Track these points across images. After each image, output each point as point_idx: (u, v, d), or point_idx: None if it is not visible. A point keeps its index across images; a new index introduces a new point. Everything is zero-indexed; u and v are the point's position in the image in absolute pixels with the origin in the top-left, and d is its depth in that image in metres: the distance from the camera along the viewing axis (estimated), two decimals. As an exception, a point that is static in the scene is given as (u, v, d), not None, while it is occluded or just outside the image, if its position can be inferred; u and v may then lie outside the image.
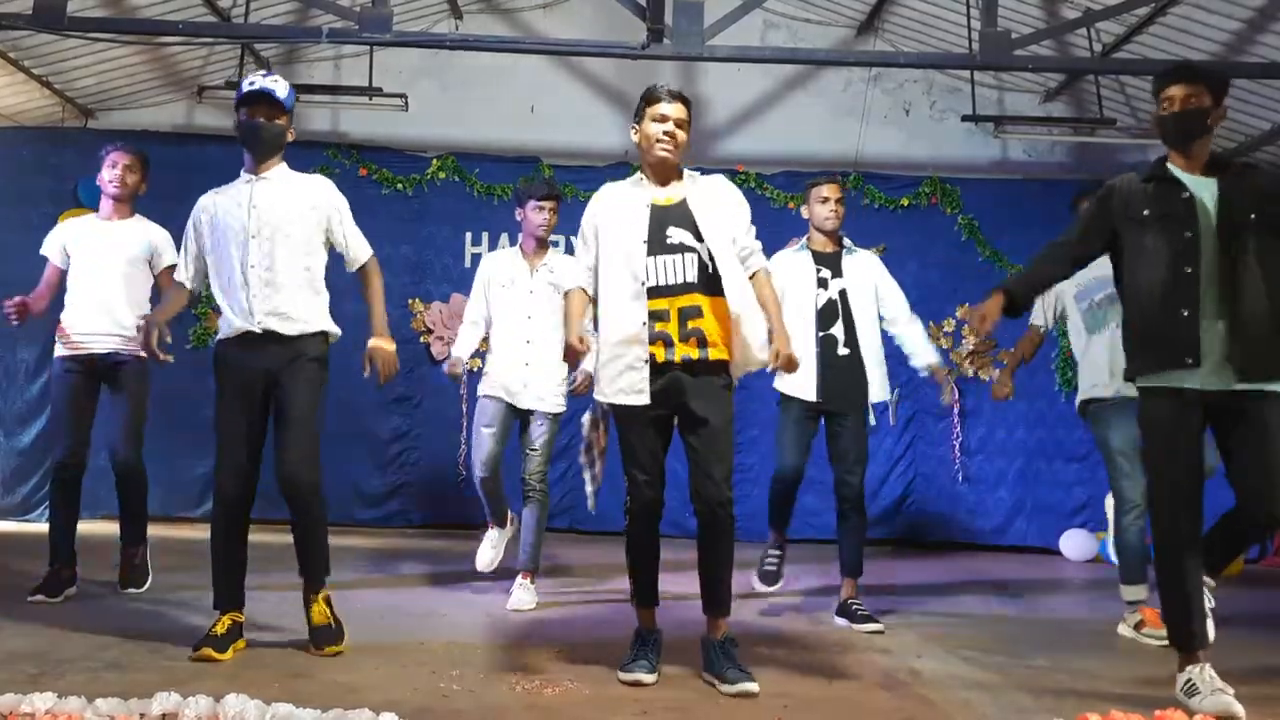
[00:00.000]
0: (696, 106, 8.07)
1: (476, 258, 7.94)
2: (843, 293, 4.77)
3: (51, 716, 2.46)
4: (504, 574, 5.31)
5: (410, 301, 7.88)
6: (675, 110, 3.66)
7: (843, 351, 4.72)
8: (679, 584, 4.40)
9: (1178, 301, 3.33)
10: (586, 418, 4.18)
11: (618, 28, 6.45)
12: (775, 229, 7.92)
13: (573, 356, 3.51)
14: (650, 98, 3.68)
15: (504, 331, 4.96)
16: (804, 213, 5.00)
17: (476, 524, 7.48)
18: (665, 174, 3.66)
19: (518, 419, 4.96)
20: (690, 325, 3.47)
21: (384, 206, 7.89)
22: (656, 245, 3.52)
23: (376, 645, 3.94)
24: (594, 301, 3.68)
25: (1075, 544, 7.39)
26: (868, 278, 4.82)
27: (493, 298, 5.00)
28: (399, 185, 7.87)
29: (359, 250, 4.01)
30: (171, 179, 7.76)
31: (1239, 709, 3.11)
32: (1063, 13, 6.70)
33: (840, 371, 4.70)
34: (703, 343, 3.48)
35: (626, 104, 8.08)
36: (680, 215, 3.56)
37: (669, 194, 3.63)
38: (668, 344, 3.48)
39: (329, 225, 3.91)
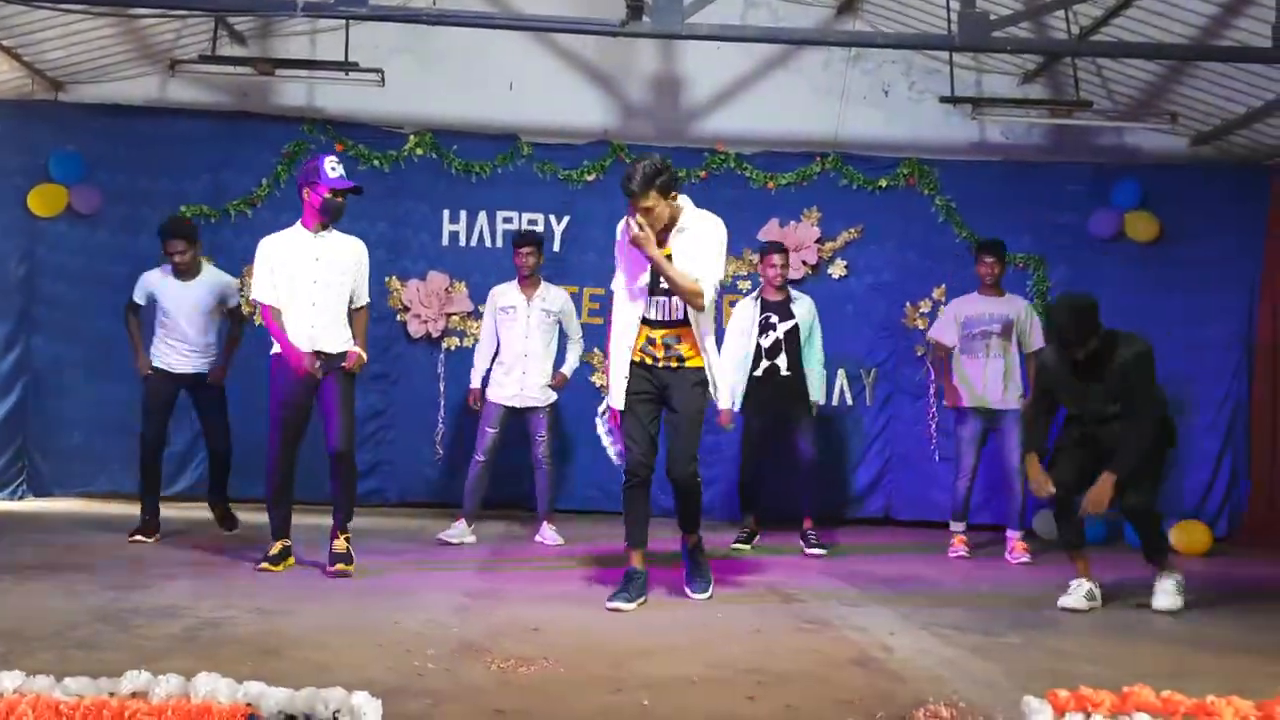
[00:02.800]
0: (676, 85, 8.11)
1: (454, 235, 7.89)
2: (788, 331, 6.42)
3: (19, 695, 2.43)
4: (483, 560, 5.27)
5: (387, 279, 7.80)
6: (639, 202, 4.42)
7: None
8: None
9: None
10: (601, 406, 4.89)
11: (597, 4, 6.39)
12: (754, 209, 7.93)
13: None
14: (627, 189, 4.47)
15: (508, 348, 6.32)
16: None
17: (453, 503, 7.49)
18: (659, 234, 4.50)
19: (514, 417, 6.33)
20: (673, 349, 4.56)
21: (361, 182, 7.77)
22: (655, 289, 4.54)
23: (351, 624, 3.93)
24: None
25: (1050, 523, 7.42)
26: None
27: (499, 320, 6.37)
28: (375, 161, 7.79)
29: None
30: (144, 153, 7.70)
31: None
32: (1041, -6, 6.69)
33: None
34: (680, 357, 4.57)
35: (606, 81, 8.04)
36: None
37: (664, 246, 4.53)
38: (654, 358, 4.57)
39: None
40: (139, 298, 6.13)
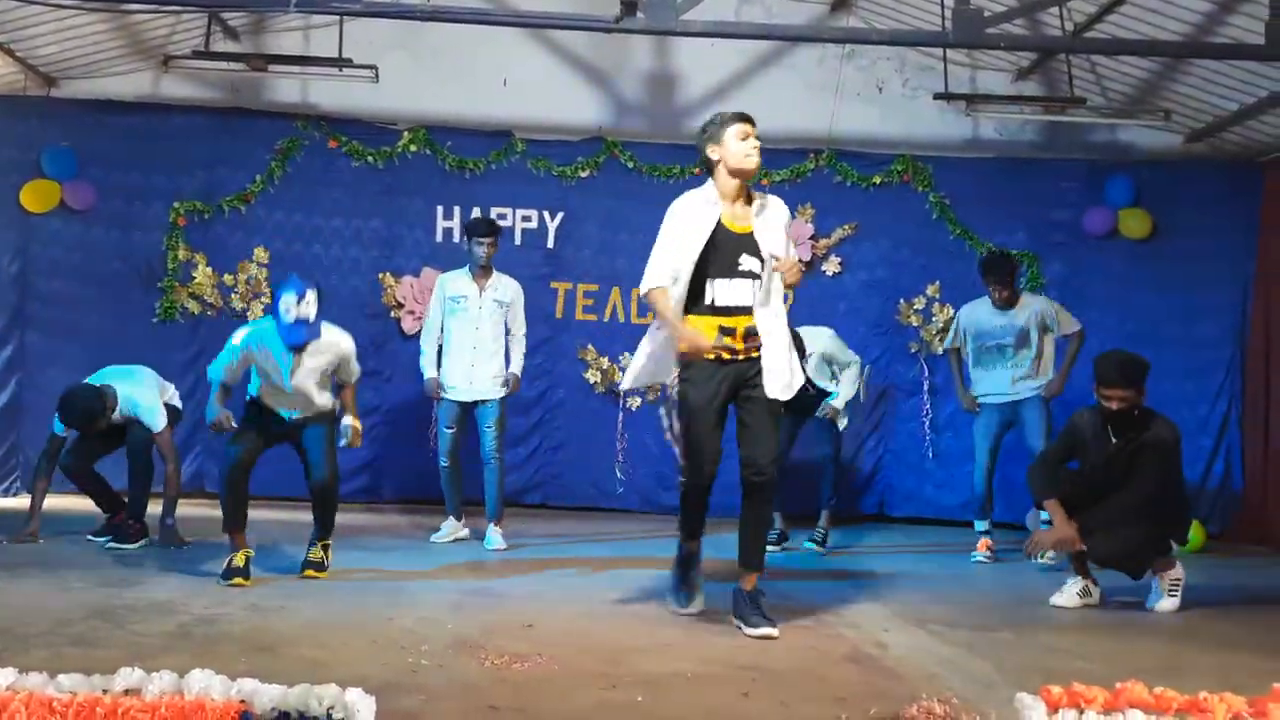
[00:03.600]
0: (670, 81, 8.11)
1: (448, 232, 7.89)
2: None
3: (13, 693, 2.43)
4: (477, 556, 5.30)
5: (381, 276, 7.81)
6: (753, 129, 4.09)
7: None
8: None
9: None
10: (662, 409, 4.39)
11: (591, 0, 6.39)
12: (748, 205, 7.94)
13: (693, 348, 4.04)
14: (725, 119, 4.10)
15: (457, 338, 6.14)
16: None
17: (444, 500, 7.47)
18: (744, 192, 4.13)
19: (469, 411, 6.16)
20: (753, 339, 4.07)
21: (354, 179, 7.81)
22: (735, 270, 4.05)
23: (344, 621, 3.93)
24: None
25: (1039, 520, 7.44)
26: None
27: (447, 310, 6.17)
28: (369, 158, 7.78)
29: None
30: (137, 149, 7.68)
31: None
32: (1035, -9, 6.69)
33: None
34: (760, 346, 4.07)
35: (600, 78, 8.03)
36: (750, 243, 4.08)
37: (742, 221, 4.10)
38: (733, 351, 4.06)
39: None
40: (61, 430, 5.65)
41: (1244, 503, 7.69)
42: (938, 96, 7.60)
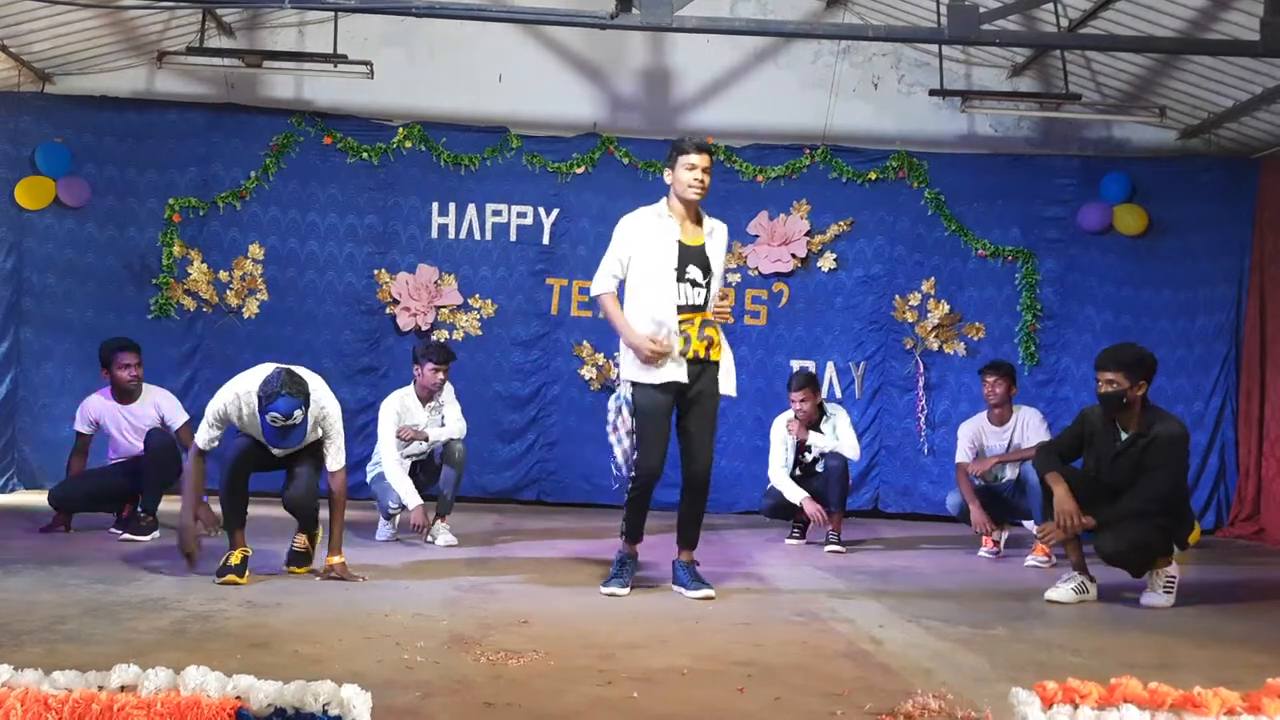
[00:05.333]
0: (665, 77, 8.10)
1: (443, 228, 7.89)
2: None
3: (8, 689, 2.42)
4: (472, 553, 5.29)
5: (376, 272, 7.81)
6: (704, 160, 4.47)
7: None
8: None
9: None
10: (611, 403, 4.67)
11: (586, -4, 6.41)
12: (744, 202, 7.94)
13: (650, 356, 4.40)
14: (680, 148, 4.52)
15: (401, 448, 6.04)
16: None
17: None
18: (693, 213, 4.57)
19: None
20: (705, 334, 4.50)
21: (350, 175, 7.82)
22: (682, 276, 4.47)
23: (340, 617, 3.93)
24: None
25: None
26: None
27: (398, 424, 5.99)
28: (364, 154, 7.79)
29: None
30: (131, 145, 7.68)
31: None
32: (1031, -13, 6.69)
33: None
34: (710, 342, 4.50)
35: (595, 74, 8.03)
36: (701, 255, 4.53)
37: (694, 235, 4.55)
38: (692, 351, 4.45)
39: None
40: (84, 428, 5.91)
41: (1238, 496, 7.72)
42: (933, 93, 7.61)
